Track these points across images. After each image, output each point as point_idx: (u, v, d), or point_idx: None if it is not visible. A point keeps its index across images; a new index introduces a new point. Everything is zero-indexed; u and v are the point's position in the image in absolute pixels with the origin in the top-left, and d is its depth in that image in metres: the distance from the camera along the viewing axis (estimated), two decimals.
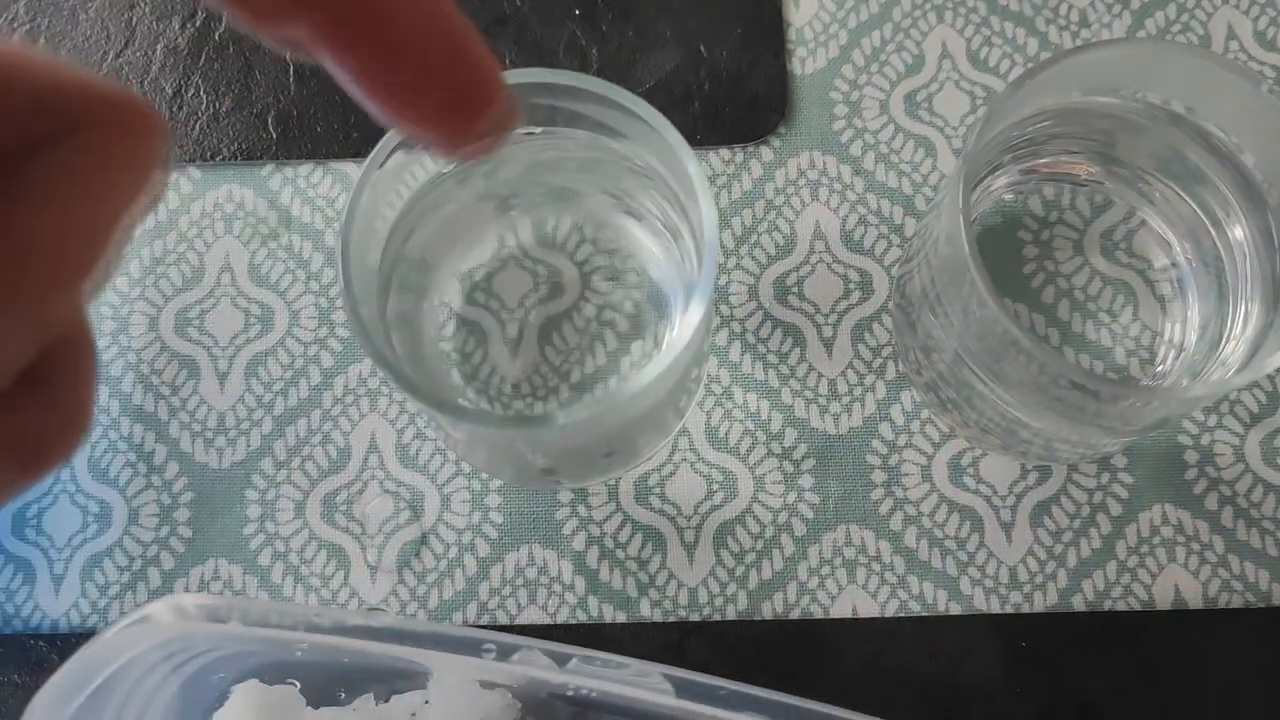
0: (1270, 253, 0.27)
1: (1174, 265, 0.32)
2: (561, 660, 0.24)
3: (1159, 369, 0.31)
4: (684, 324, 0.25)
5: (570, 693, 0.27)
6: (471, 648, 0.23)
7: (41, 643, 0.32)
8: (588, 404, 0.25)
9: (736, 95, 0.36)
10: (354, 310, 0.25)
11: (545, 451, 0.29)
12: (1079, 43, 0.36)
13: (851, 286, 0.34)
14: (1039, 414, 0.29)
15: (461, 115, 0.18)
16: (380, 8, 0.16)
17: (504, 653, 0.23)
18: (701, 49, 0.36)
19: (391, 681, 0.30)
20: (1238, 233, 0.28)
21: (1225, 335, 0.28)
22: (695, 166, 0.25)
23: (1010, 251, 0.33)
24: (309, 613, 0.24)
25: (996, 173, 0.31)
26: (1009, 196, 0.33)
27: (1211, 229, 0.30)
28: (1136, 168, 0.31)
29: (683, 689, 0.23)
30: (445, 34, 0.17)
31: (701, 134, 0.35)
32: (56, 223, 0.14)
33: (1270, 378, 0.33)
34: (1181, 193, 0.30)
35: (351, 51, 0.16)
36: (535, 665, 0.23)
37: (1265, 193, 0.27)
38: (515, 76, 0.26)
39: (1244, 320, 0.28)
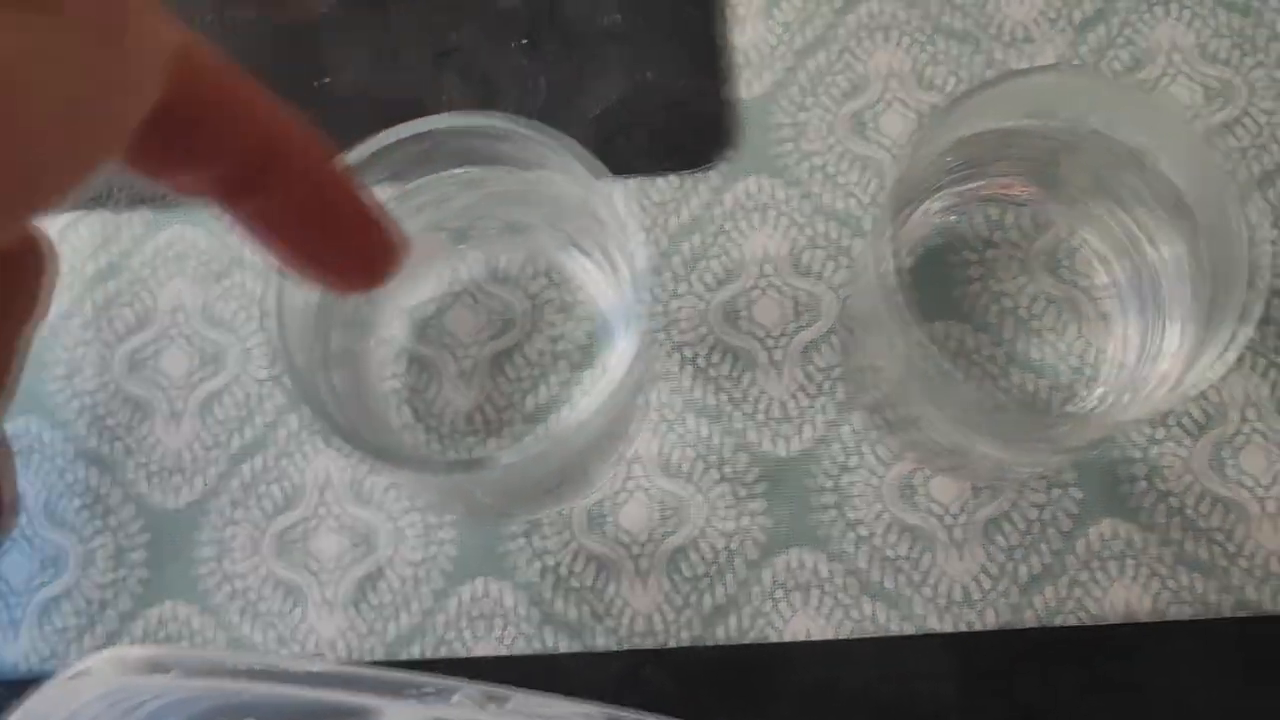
0: (1200, 273, 0.27)
1: (1114, 284, 0.32)
2: (501, 700, 0.24)
3: (1100, 387, 0.31)
4: (618, 355, 0.25)
5: None
6: (410, 690, 0.24)
7: (1, 688, 0.32)
8: (529, 444, 0.25)
9: (682, 121, 0.36)
10: (290, 365, 0.25)
11: (491, 490, 0.29)
12: (1024, 59, 0.36)
13: (800, 309, 0.34)
14: (981, 436, 0.29)
15: (364, 275, 0.19)
16: (285, 176, 0.17)
17: (442, 694, 0.24)
18: (648, 75, 0.37)
19: (346, 719, 0.30)
20: (1169, 252, 0.29)
21: (1161, 353, 0.29)
22: (617, 197, 0.25)
23: (953, 272, 0.33)
24: (248, 661, 0.24)
25: (937, 194, 0.31)
26: (952, 217, 0.33)
27: (1147, 248, 0.30)
28: (1076, 188, 0.31)
29: None
30: (346, 203, 0.18)
31: (648, 161, 0.36)
32: None
33: (1216, 389, 0.33)
34: (1119, 212, 0.30)
35: (252, 217, 0.17)
36: (474, 706, 0.24)
37: (1194, 214, 0.27)
38: (444, 121, 0.26)
39: (1178, 338, 0.28)
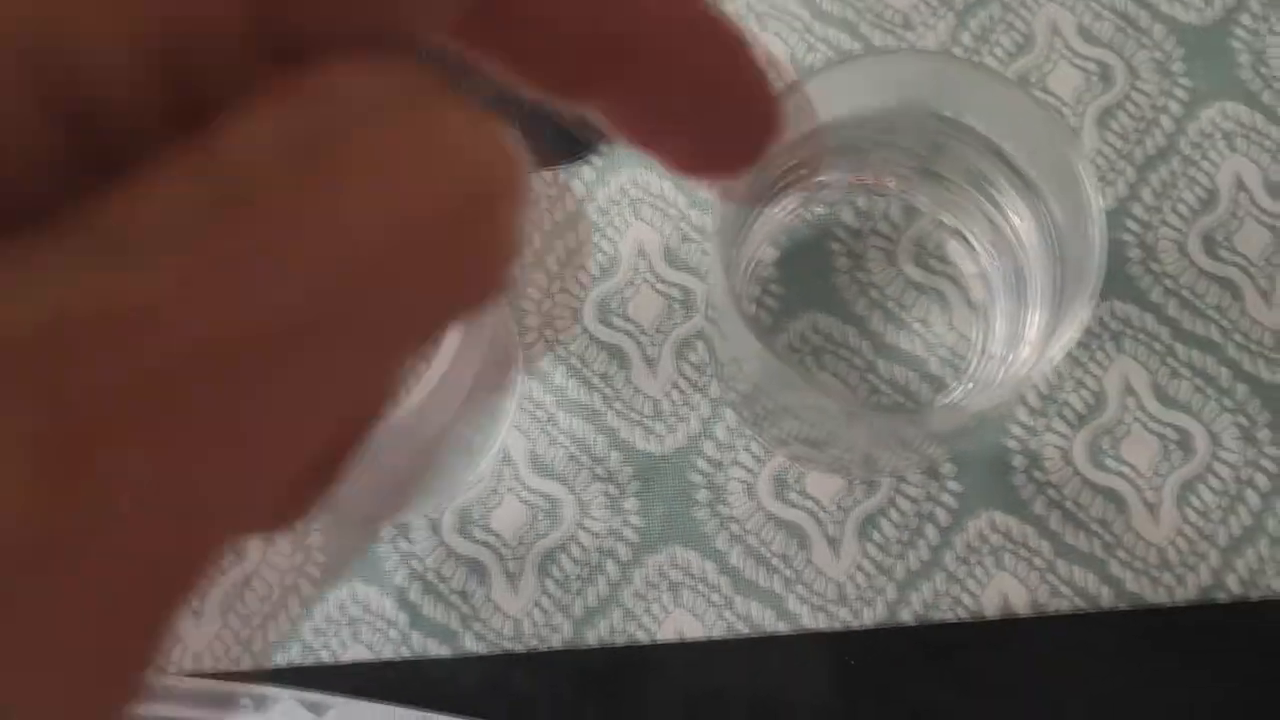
0: (1052, 258, 0.27)
1: (982, 273, 0.31)
2: (321, 710, 0.23)
3: (968, 378, 0.31)
4: (440, 353, 0.24)
5: None
6: (228, 702, 0.23)
7: None
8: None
9: (557, 114, 0.35)
10: None
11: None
12: (903, 45, 0.35)
13: (675, 304, 0.34)
14: (839, 431, 0.28)
15: (740, 154, 0.14)
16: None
17: (260, 704, 0.23)
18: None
19: None
20: (1029, 239, 0.28)
21: (1024, 340, 0.28)
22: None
23: (821, 263, 0.33)
24: None
25: (797, 187, 0.31)
26: (819, 208, 0.32)
27: (1012, 236, 0.29)
28: (942, 177, 0.31)
29: None
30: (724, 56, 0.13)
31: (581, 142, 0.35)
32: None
33: (1097, 378, 0.33)
34: (984, 202, 0.30)
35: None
36: (292, 718, 0.23)
37: (1047, 202, 0.27)
38: None
39: (1036, 325, 0.27)
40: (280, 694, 0.23)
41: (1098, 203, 0.25)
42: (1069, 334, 0.24)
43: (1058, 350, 0.24)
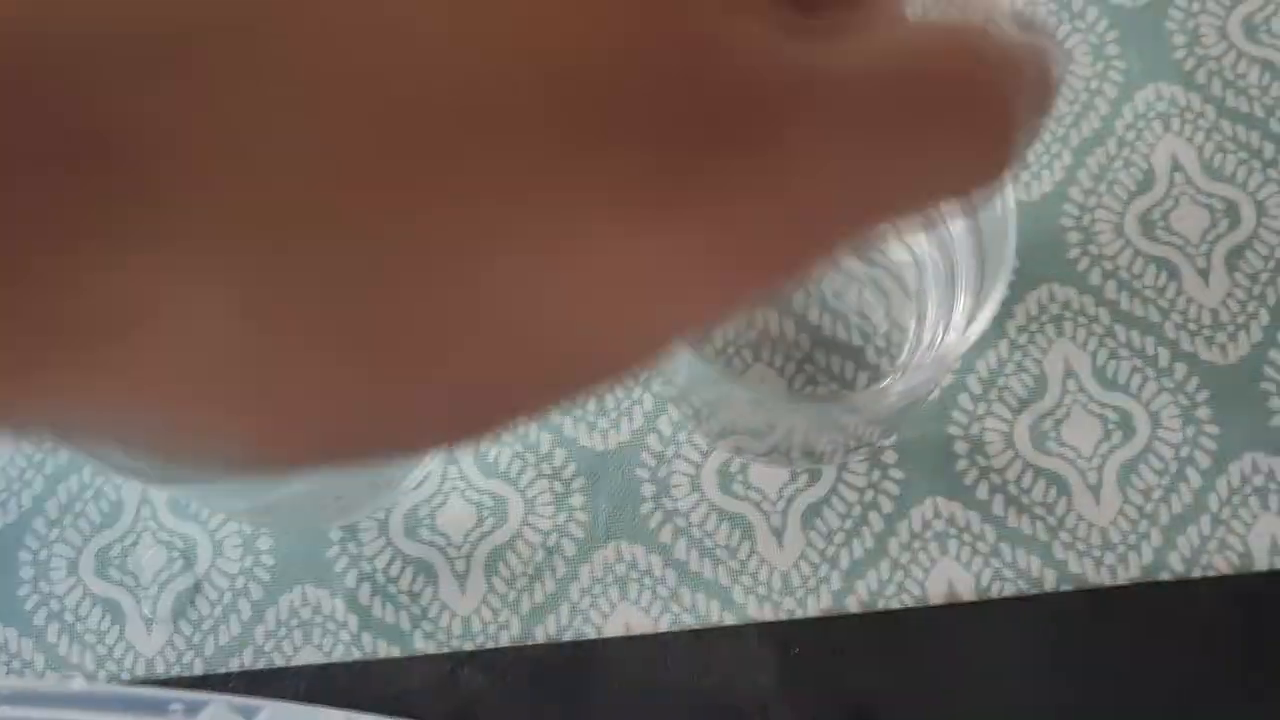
0: (977, 244, 0.27)
1: (915, 262, 0.31)
2: (250, 714, 0.24)
3: (899, 364, 0.31)
4: None
5: None
6: (158, 708, 0.23)
7: None
8: None
9: None
10: None
11: (263, 495, 0.29)
12: None
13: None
14: (774, 421, 0.29)
15: None
16: None
17: (191, 710, 0.23)
18: None
19: None
20: (956, 227, 0.28)
21: (950, 325, 0.28)
22: None
23: None
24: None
25: None
26: None
27: (943, 224, 0.29)
28: None
29: None
30: None
31: None
32: None
33: (1037, 361, 0.33)
34: None
35: None
36: None
37: None
38: None
39: (962, 308, 0.28)
40: (211, 698, 0.23)
41: (1009, 186, 0.25)
42: (985, 313, 0.24)
43: (974, 330, 0.24)
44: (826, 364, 0.32)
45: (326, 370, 0.09)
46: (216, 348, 0.08)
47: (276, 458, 0.10)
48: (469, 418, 0.10)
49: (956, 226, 0.28)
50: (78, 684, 0.26)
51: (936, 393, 0.32)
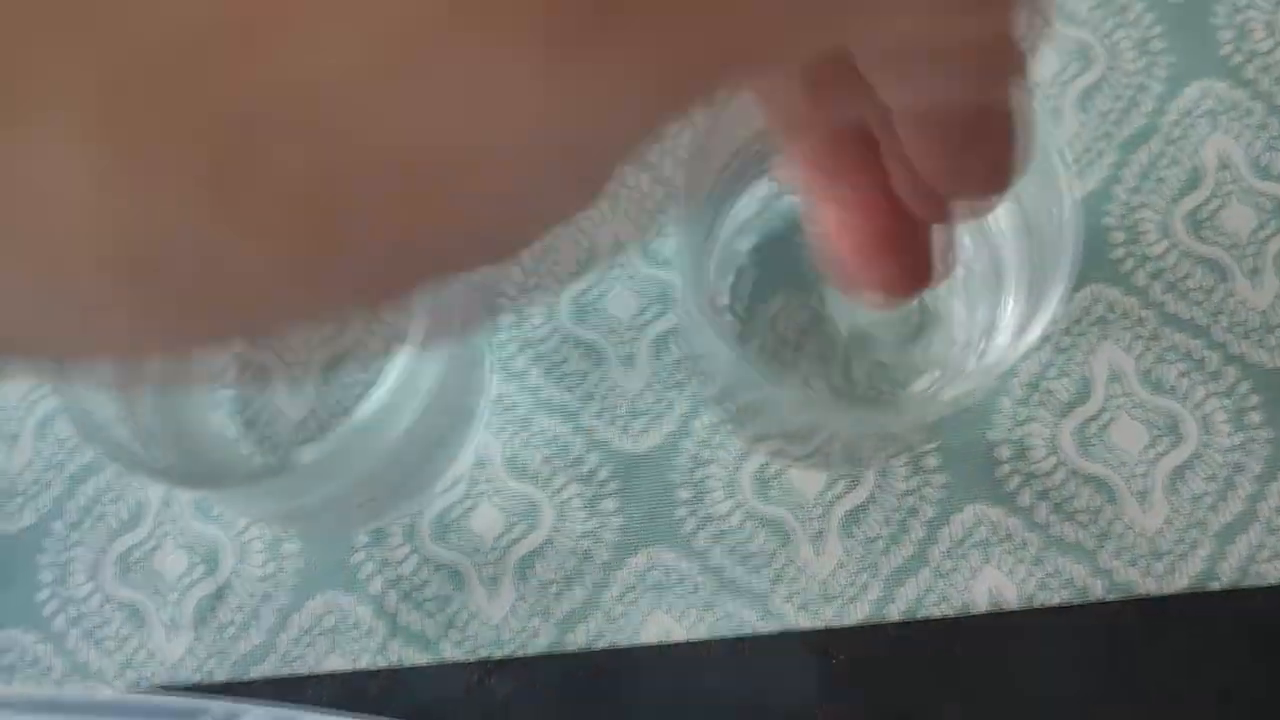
0: (1028, 246, 0.26)
1: (962, 264, 0.31)
2: None
3: (940, 366, 0.30)
4: (401, 354, 0.24)
5: None
6: (194, 717, 0.22)
7: None
8: (330, 441, 0.24)
9: None
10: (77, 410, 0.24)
11: (301, 497, 0.28)
12: None
13: (649, 300, 0.33)
14: (818, 423, 0.28)
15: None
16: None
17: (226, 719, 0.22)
18: None
19: None
20: (1001, 220, 0.27)
21: (997, 326, 0.27)
22: None
23: (795, 254, 0.32)
24: (30, 694, 0.23)
25: (762, 178, 0.30)
26: (790, 199, 0.32)
27: (988, 224, 0.29)
28: None
29: None
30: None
31: None
32: None
33: (1080, 365, 0.32)
34: None
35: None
36: None
37: (1022, 189, 0.26)
38: None
39: (1011, 309, 0.27)
40: (249, 708, 0.23)
41: (1069, 184, 0.24)
42: (1042, 318, 0.23)
43: (1030, 336, 0.23)
44: (869, 367, 0.31)
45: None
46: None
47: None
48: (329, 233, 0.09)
49: (1005, 228, 0.28)
50: (106, 693, 0.25)
51: (979, 396, 0.31)
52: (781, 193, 0.31)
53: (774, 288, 0.32)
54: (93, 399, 0.24)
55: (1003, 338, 0.27)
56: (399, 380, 0.24)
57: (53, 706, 0.23)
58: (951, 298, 0.31)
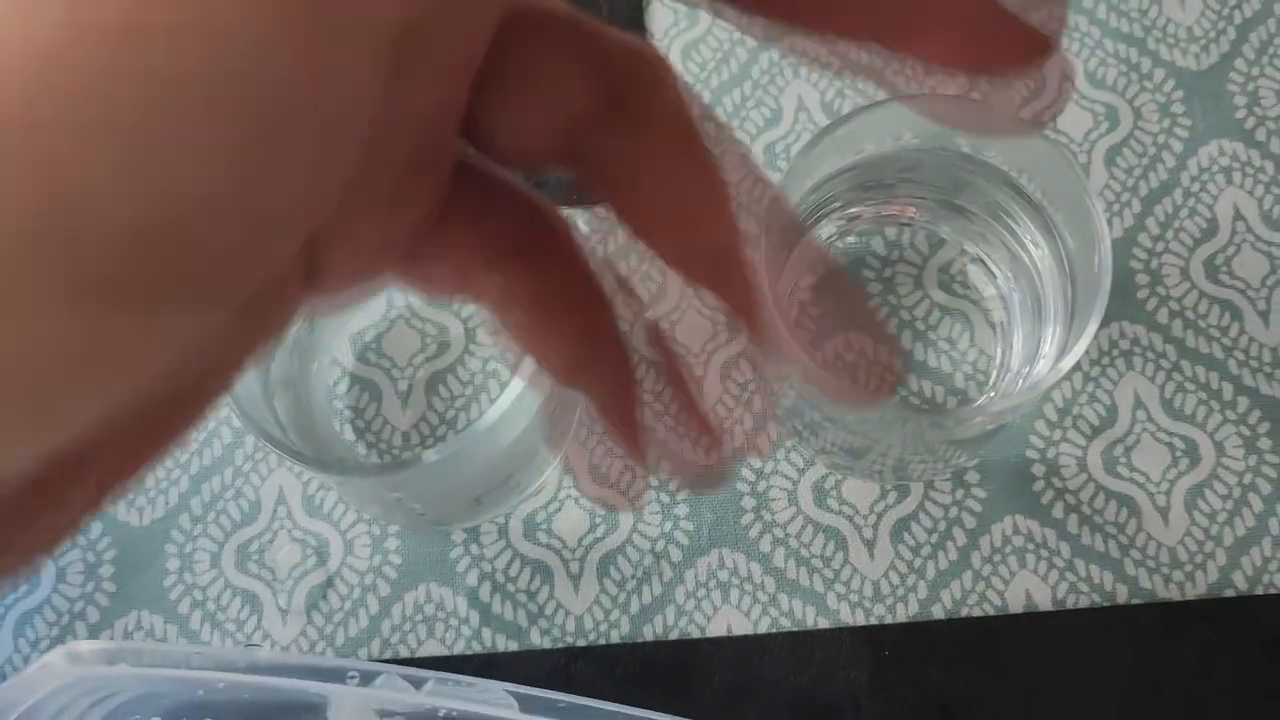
0: (1065, 281, 0.30)
1: (1001, 296, 0.34)
2: (418, 683, 0.26)
3: (989, 390, 0.34)
4: (522, 369, 0.27)
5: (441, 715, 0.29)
6: (337, 676, 0.26)
7: None
8: (451, 443, 0.28)
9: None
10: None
11: (421, 497, 0.32)
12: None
13: (720, 326, 0.37)
14: (878, 436, 0.31)
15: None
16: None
17: (365, 679, 0.26)
18: None
19: (297, 714, 0.32)
20: (1045, 265, 0.31)
21: (1039, 354, 0.31)
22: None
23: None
24: (193, 652, 0.27)
25: (833, 216, 0.34)
26: (850, 238, 0.36)
27: (1029, 262, 0.32)
28: (964, 209, 0.34)
29: (525, 703, 0.26)
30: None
31: (578, 194, 0.38)
32: None
33: (1108, 393, 0.35)
34: (1002, 231, 0.33)
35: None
36: (395, 689, 0.26)
37: (1060, 231, 0.30)
38: None
39: (1051, 340, 0.30)
40: (384, 668, 0.26)
41: (1106, 231, 0.28)
42: (1079, 347, 0.27)
43: (1068, 361, 0.27)
44: (919, 387, 0.35)
45: None
46: None
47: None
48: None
49: (1044, 264, 0.31)
50: (263, 653, 0.29)
51: (1023, 413, 0.34)
52: (842, 236, 0.35)
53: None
54: (244, 387, 0.28)
55: (1043, 364, 0.30)
56: (512, 400, 0.28)
57: (218, 663, 0.26)
58: (997, 331, 0.34)
